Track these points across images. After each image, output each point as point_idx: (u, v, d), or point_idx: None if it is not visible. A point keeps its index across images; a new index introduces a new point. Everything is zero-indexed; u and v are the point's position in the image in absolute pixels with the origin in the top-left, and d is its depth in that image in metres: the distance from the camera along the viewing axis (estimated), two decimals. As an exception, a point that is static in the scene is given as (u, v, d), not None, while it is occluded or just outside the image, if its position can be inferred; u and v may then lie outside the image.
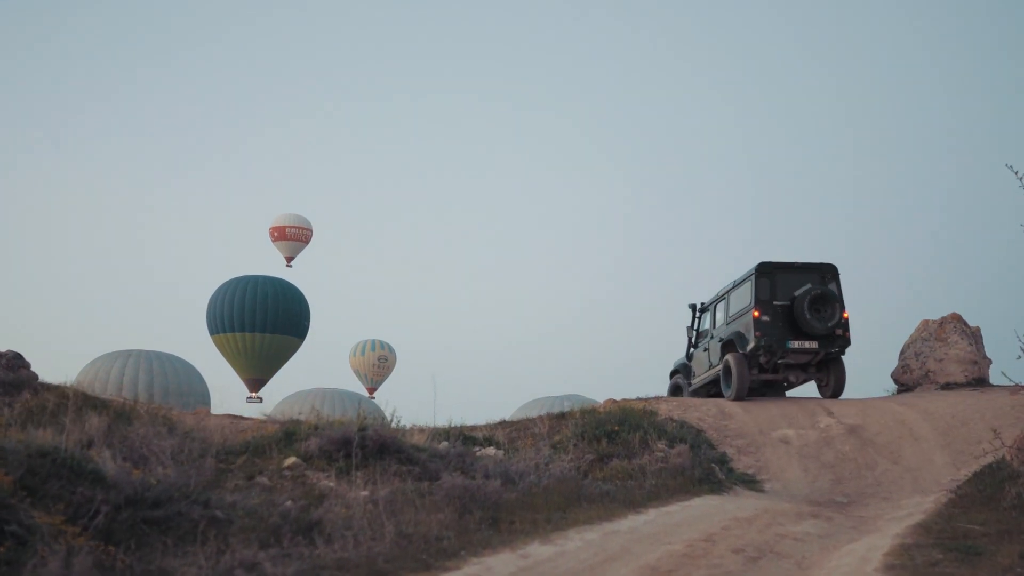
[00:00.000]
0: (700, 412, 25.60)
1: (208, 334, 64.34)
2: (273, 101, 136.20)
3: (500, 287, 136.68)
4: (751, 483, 20.90)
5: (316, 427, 16.76)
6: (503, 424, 25.44)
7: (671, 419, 23.99)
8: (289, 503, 13.84)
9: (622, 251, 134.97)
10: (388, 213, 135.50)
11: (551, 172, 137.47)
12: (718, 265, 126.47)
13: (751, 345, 24.83)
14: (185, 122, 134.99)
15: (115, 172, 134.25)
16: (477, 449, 21.11)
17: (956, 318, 28.86)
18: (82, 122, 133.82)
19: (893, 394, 28.83)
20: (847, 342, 25.58)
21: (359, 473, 15.59)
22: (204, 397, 60.71)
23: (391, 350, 74.63)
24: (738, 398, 25.17)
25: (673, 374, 28.79)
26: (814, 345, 25.24)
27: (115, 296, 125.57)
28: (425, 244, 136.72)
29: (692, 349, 27.76)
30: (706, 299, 27.94)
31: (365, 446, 15.92)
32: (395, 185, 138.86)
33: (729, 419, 25.07)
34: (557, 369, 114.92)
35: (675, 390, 28.45)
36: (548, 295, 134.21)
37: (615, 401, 26.68)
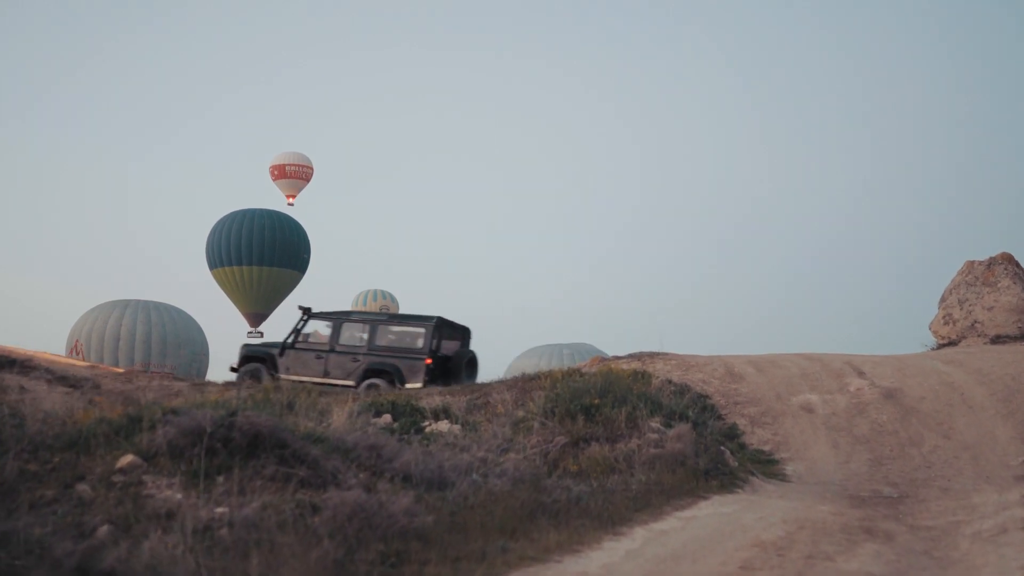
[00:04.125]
0: (704, 373, 20.19)
1: (208, 269, 59.65)
2: (279, 38, 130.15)
3: (511, 232, 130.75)
4: (769, 464, 15.59)
5: (170, 410, 11.06)
6: (470, 388, 19.99)
7: (670, 382, 18.49)
8: (104, 528, 9.04)
9: (640, 197, 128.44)
10: (390, 158, 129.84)
11: (563, 116, 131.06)
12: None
13: (413, 384, 23.91)
14: (185, 62, 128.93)
15: (116, 110, 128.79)
16: (427, 424, 15.72)
17: (1007, 258, 23.01)
18: (83, 63, 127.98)
19: (933, 349, 23.11)
20: None
21: (221, 478, 10.14)
22: (203, 347, 56.86)
23: (393, 299, 70.44)
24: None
25: (250, 359, 26.30)
26: None
27: (115, 240, 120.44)
28: (429, 189, 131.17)
29: (290, 347, 25.76)
30: (318, 308, 26.61)
31: (231, 440, 10.31)
32: (399, 129, 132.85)
33: (739, 381, 19.63)
34: (570, 316, 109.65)
35: (250, 375, 25.87)
36: (564, 240, 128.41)
37: (603, 360, 21.05)
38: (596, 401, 14.28)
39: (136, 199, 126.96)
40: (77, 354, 50.86)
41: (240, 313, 61.24)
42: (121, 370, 26.49)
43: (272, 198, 65.37)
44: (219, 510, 9.68)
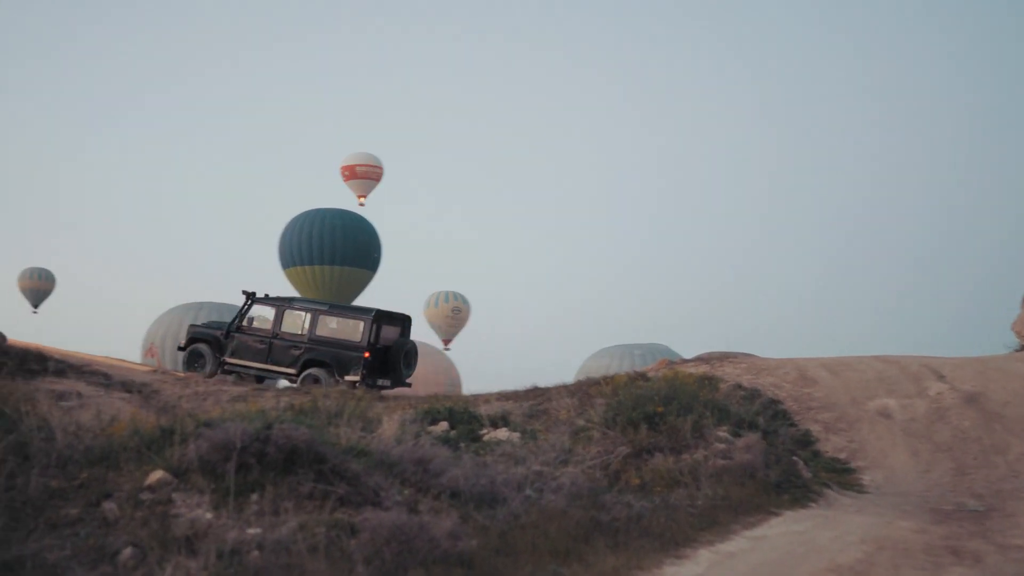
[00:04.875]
0: (776, 376, 19.14)
1: (281, 268, 59.23)
2: (352, 38, 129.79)
3: (585, 229, 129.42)
4: (845, 474, 14.58)
5: (204, 423, 10.25)
6: (532, 392, 19.10)
7: (739, 387, 17.48)
8: (127, 551, 8.26)
9: (719, 195, 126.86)
10: (461, 158, 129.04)
11: (635, 114, 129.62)
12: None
13: (352, 377, 24.13)
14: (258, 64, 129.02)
15: (189, 111, 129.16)
16: (485, 431, 14.88)
17: (1095, 256, 21.64)
18: (154, 64, 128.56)
19: (1016, 351, 21.94)
20: (408, 385, 26.24)
21: (255, 496, 9.30)
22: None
23: (465, 301, 69.46)
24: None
25: (196, 340, 26.12)
26: (387, 383, 25.15)
27: (190, 241, 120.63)
28: (501, 189, 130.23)
29: (235, 331, 25.63)
30: (263, 293, 26.23)
31: (265, 454, 9.49)
32: (470, 130, 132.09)
33: (813, 385, 18.61)
34: (645, 316, 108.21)
35: (197, 357, 25.87)
36: (641, 238, 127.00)
37: (670, 364, 20.07)
38: (660, 409, 13.32)
39: (210, 200, 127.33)
40: (152, 357, 50.60)
41: (313, 313, 60.93)
42: (183, 374, 25.82)
43: (344, 198, 64.85)
44: (251, 531, 8.92)
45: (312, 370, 24.27)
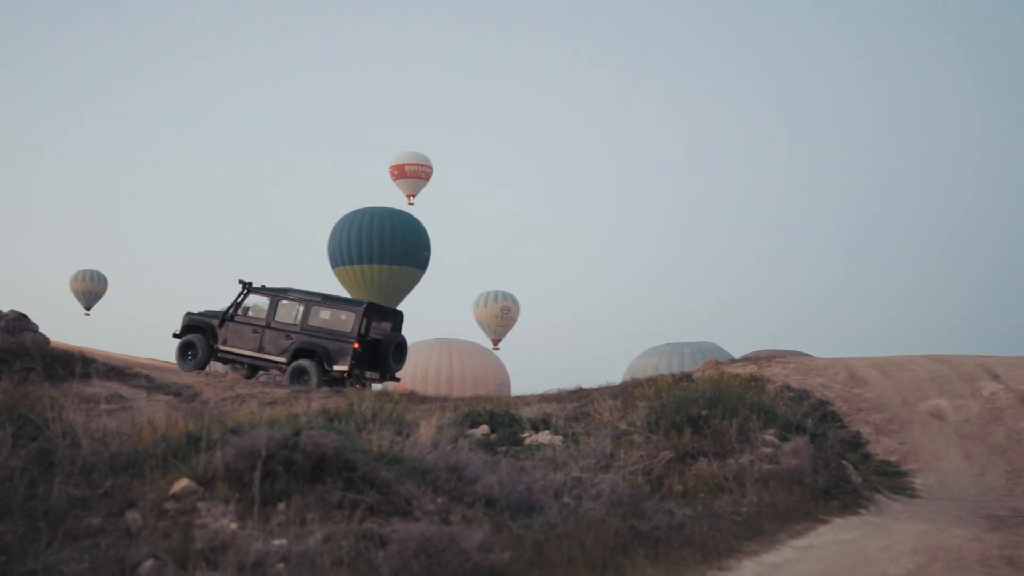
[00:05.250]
0: (825, 377, 18.59)
1: (330, 267, 60.05)
2: (400, 38, 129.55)
3: (635, 228, 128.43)
4: (897, 477, 14.01)
5: (231, 429, 9.89)
6: (576, 394, 18.65)
7: (788, 387, 16.95)
8: (149, 563, 7.88)
9: (770, 194, 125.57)
10: (510, 158, 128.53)
11: (685, 109, 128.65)
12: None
13: (340, 367, 24.45)
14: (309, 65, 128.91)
15: (237, 111, 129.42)
16: (526, 435, 14.50)
17: None
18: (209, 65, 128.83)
19: (1072, 349, 21.21)
20: (397, 379, 26.63)
21: (283, 505, 8.93)
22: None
23: (514, 301, 69.15)
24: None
25: (190, 328, 26.18)
26: (376, 376, 25.56)
27: (238, 240, 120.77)
28: (548, 188, 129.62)
29: (229, 319, 25.81)
30: (258, 283, 26.35)
31: (293, 462, 9.11)
32: (519, 128, 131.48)
33: (863, 385, 18.05)
34: (695, 314, 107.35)
35: (190, 345, 25.90)
36: (692, 236, 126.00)
37: (717, 364, 19.55)
38: (704, 412, 12.84)
39: (260, 200, 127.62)
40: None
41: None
42: (229, 375, 25.62)
43: (393, 197, 64.76)
44: (276, 542, 8.55)
45: (301, 361, 24.40)
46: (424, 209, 71.36)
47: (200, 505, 9.17)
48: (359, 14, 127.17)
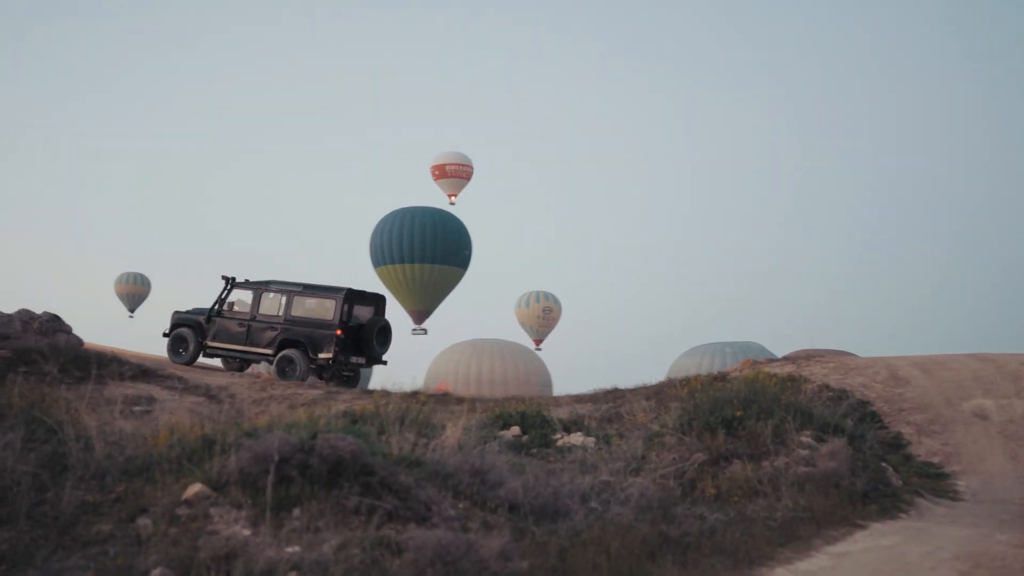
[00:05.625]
0: (865, 376, 18.07)
1: (372, 267, 59.35)
2: (441, 35, 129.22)
3: (676, 225, 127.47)
4: (939, 479, 13.52)
5: (246, 433, 9.54)
6: (611, 394, 18.23)
7: (827, 387, 16.45)
8: (157, 571, 7.57)
9: (814, 193, 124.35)
10: (552, 157, 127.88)
11: (723, 108, 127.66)
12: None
13: (325, 355, 24.69)
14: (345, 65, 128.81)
15: (281, 112, 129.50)
16: (558, 436, 14.09)
17: None
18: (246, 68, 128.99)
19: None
20: (384, 363, 26.67)
21: (297, 511, 8.55)
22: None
23: (556, 301, 68.59)
24: (300, 380, 24.29)
25: (179, 326, 26.40)
26: (362, 361, 25.67)
27: (280, 240, 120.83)
28: (592, 188, 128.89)
29: (216, 315, 26.07)
30: (242, 278, 26.66)
31: (308, 466, 8.76)
32: (561, 127, 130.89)
33: (904, 385, 17.52)
34: (739, 312, 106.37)
35: (179, 341, 26.13)
36: (734, 234, 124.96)
37: (755, 364, 19.05)
38: (739, 413, 12.39)
39: (301, 201, 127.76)
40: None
41: (404, 310, 60.81)
42: (266, 376, 25.41)
43: (434, 197, 64.52)
44: (289, 549, 8.22)
45: (286, 351, 24.60)
46: (465, 209, 71.06)
47: (213, 511, 8.83)
48: (401, 12, 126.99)
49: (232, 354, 25.84)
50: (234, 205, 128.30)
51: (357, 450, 9.16)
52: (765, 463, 11.67)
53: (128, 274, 67.73)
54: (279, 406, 19.49)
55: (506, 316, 68.90)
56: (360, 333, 25.14)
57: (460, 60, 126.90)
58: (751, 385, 13.44)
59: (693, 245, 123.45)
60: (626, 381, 19.35)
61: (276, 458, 8.71)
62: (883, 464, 12.77)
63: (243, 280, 26.06)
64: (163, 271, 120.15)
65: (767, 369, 18.49)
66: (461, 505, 9.41)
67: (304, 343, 24.63)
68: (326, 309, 24.92)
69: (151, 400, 18.86)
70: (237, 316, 25.72)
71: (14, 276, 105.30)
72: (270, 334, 25.12)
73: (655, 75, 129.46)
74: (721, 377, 17.62)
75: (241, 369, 26.34)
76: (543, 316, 67.53)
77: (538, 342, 66.96)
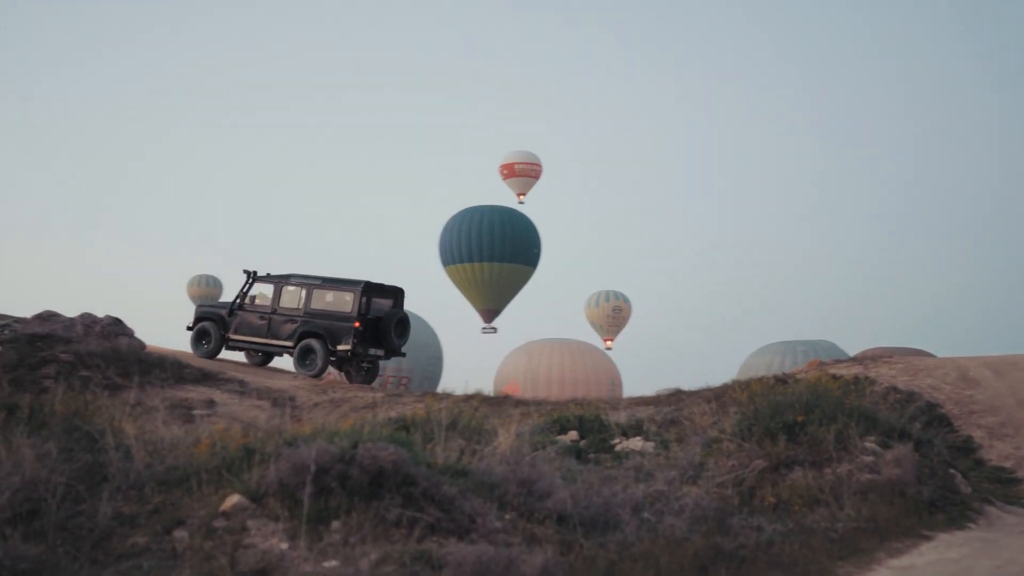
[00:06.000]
0: (935, 378, 17.46)
1: (441, 266, 60.18)
2: (510, 37, 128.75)
3: (750, 224, 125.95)
4: (1011, 485, 13.00)
5: (287, 442, 9.22)
6: (673, 397, 17.80)
7: (895, 389, 15.88)
8: None
9: (895, 191, 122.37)
10: (622, 156, 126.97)
11: (792, 105, 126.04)
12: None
13: (344, 347, 24.98)
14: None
15: (349, 113, 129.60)
16: (617, 441, 13.68)
17: None
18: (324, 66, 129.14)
19: None
20: (403, 354, 27.31)
21: (337, 524, 8.22)
22: (437, 350, 55.80)
23: (626, 300, 68.06)
24: (317, 376, 24.94)
25: (202, 319, 26.69)
26: (380, 352, 25.90)
27: (348, 240, 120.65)
28: (661, 185, 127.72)
29: (237, 309, 26.35)
30: (264, 271, 26.81)
31: (348, 477, 8.43)
32: (632, 126, 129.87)
33: (975, 387, 16.92)
34: (814, 310, 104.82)
35: (202, 334, 26.38)
36: (810, 232, 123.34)
37: (822, 365, 18.50)
38: (800, 418, 11.87)
39: (371, 201, 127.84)
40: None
41: (474, 309, 60.72)
42: (334, 378, 25.29)
43: (503, 196, 64.38)
44: (327, 564, 7.96)
45: (307, 341, 24.96)
46: (534, 208, 70.87)
47: (251, 523, 8.54)
48: (471, 12, 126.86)
49: (253, 346, 26.22)
50: (305, 204, 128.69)
51: (399, 460, 8.81)
52: (827, 470, 11.16)
53: (200, 276, 68.13)
54: (338, 410, 19.28)
55: (576, 316, 68.52)
56: (379, 325, 25.39)
57: (530, 58, 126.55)
58: (813, 388, 12.90)
59: (766, 241, 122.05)
60: (696, 381, 18.90)
61: (313, 469, 8.39)
62: (951, 470, 12.20)
63: (264, 274, 26.33)
64: (235, 273, 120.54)
65: (833, 370, 17.94)
66: (507, 516, 9.04)
67: (323, 335, 24.93)
68: (345, 302, 25.17)
69: (211, 404, 18.72)
70: (258, 309, 26.02)
71: (82, 279, 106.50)
72: (290, 326, 25.40)
73: (727, 73, 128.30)
74: (785, 379, 17.08)
75: (263, 363, 26.58)
76: (613, 315, 67.15)
77: (608, 342, 66.54)
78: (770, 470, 11.32)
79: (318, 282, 25.76)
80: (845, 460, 11.37)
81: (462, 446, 10.24)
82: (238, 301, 26.29)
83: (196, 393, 19.27)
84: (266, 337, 25.78)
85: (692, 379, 20.16)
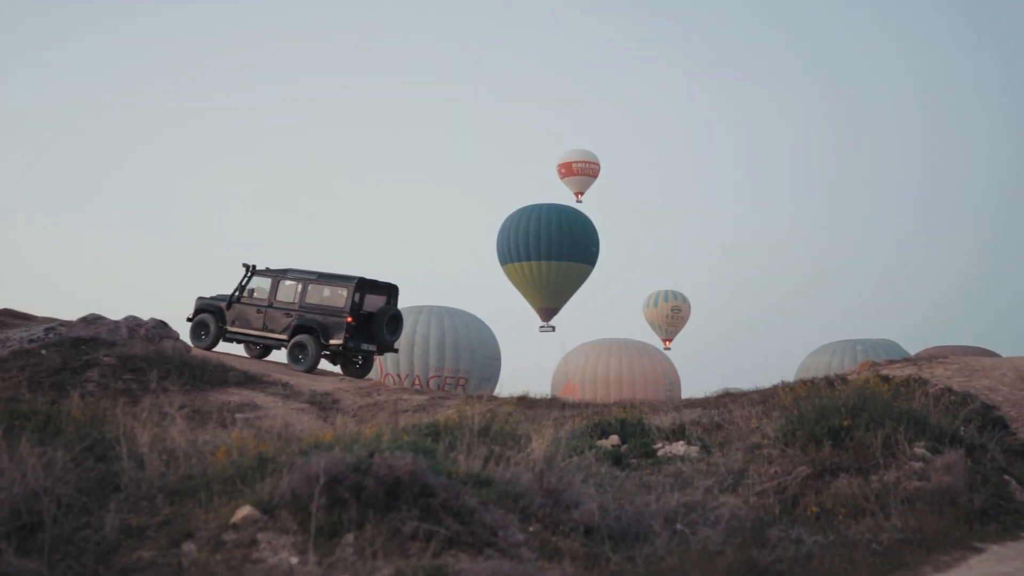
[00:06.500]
0: (991, 379, 16.74)
1: (499, 265, 59.58)
2: (566, 35, 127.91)
3: (809, 219, 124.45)
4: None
5: (301, 451, 8.77)
6: (722, 399, 17.21)
7: (949, 391, 15.18)
8: None
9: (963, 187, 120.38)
10: (681, 155, 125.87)
11: (855, 104, 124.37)
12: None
13: (335, 341, 25.33)
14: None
15: (404, 113, 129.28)
16: (659, 446, 13.16)
17: None
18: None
19: None
20: (395, 350, 28.12)
21: (351, 536, 7.74)
22: (495, 351, 55.20)
23: (684, 300, 67.24)
24: (309, 371, 25.03)
25: (201, 311, 27.13)
26: (372, 348, 26.31)
27: (405, 241, 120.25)
28: (719, 184, 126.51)
29: (236, 302, 26.72)
30: (263, 265, 27.24)
31: (363, 488, 7.97)
32: (688, 128, 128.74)
33: (1033, 387, 16.00)
34: (876, 308, 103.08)
35: (201, 326, 26.77)
36: (871, 229, 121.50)
37: (874, 365, 17.80)
38: (846, 422, 11.25)
39: (426, 201, 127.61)
40: (374, 360, 50.29)
41: (532, 308, 60.28)
42: (374, 381, 24.93)
43: (561, 195, 63.89)
44: (338, 581, 7.44)
45: (298, 337, 25.23)
46: (592, 207, 70.34)
47: (260, 536, 8.08)
48: (528, 12, 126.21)
49: (249, 339, 26.43)
50: (364, 204, 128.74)
51: (416, 469, 8.31)
52: (873, 478, 10.55)
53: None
54: (382, 413, 18.84)
55: (635, 316, 67.83)
56: (371, 321, 25.67)
57: (589, 56, 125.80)
58: (860, 392, 12.22)
59: (826, 240, 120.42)
60: (755, 381, 18.30)
61: (322, 480, 7.92)
62: (1006, 477, 11.53)
63: (263, 268, 26.69)
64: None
65: (886, 371, 17.23)
66: (531, 529, 8.53)
67: (316, 329, 25.18)
68: (338, 297, 25.53)
69: (254, 407, 18.36)
70: (256, 303, 26.32)
71: (127, 282, 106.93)
72: (285, 320, 25.72)
73: (787, 70, 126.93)
74: (837, 380, 16.42)
75: (262, 356, 26.75)
76: (672, 315, 66.39)
77: (667, 342, 65.84)
78: (814, 477, 10.74)
79: (313, 277, 26.11)
80: (893, 467, 10.75)
81: (487, 453, 9.71)
82: (236, 294, 26.59)
83: (239, 396, 18.92)
84: (261, 330, 26.11)
85: (751, 379, 19.57)
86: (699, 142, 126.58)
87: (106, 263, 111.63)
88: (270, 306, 26.11)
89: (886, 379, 15.12)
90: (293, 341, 25.25)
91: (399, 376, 49.33)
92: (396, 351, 28.00)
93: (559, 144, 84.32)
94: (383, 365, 48.87)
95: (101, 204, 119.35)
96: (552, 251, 56.55)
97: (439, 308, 52.87)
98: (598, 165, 64.97)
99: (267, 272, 26.62)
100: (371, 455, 8.44)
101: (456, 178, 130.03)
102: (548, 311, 60.47)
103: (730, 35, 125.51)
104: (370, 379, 26.35)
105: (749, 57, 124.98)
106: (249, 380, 20.07)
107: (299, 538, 7.90)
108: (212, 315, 26.60)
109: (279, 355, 26.43)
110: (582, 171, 64.26)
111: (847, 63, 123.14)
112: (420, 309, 52.31)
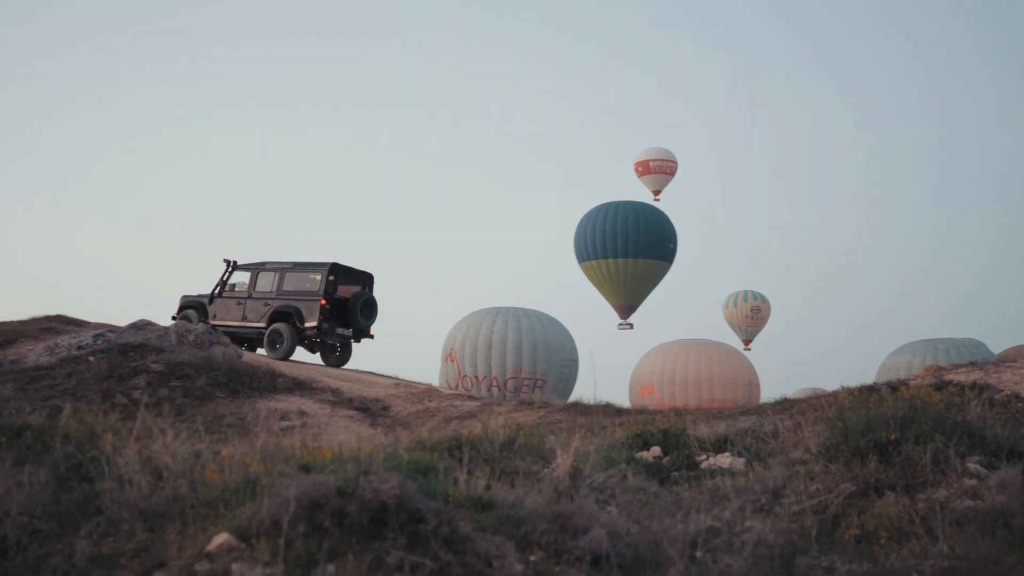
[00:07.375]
0: (1064, 384, 15.40)
1: (576, 263, 59.38)
2: (644, 35, 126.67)
3: (891, 217, 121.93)
4: None
5: (280, 472, 8.03)
6: (780, 405, 16.25)
7: (1017, 398, 14.06)
8: None
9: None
10: (759, 153, 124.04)
11: (930, 103, 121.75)
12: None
13: (310, 323, 25.95)
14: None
15: (485, 115, 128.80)
16: (703, 457, 12.29)
17: None
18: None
19: None
20: (371, 336, 28.12)
21: (331, 567, 6.99)
22: (572, 352, 54.44)
23: (764, 300, 66.19)
24: (283, 359, 25.58)
25: (186, 307, 28.00)
26: (348, 332, 26.91)
27: (484, 242, 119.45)
28: (799, 183, 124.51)
29: (217, 296, 27.72)
30: (244, 261, 28.13)
31: (346, 515, 7.20)
32: (766, 127, 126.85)
33: (1107, 394, 14.78)
34: (963, 306, 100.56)
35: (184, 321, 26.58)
36: (953, 222, 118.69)
37: (939, 370, 16.67)
38: (893, 436, 10.24)
39: (507, 199, 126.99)
40: (451, 362, 49.71)
41: (610, 305, 59.72)
42: (425, 388, 24.24)
43: (638, 194, 63.14)
44: (313, 620, 6.68)
45: (275, 325, 26.22)
46: (670, 205, 69.48)
47: (235, 567, 7.29)
48: (608, 11, 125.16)
49: (229, 330, 26.61)
50: (443, 206, 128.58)
51: (404, 493, 7.49)
52: (921, 496, 9.55)
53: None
54: (432, 420, 18.10)
55: (714, 316, 67.01)
56: (346, 306, 26.58)
57: (668, 55, 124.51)
58: (909, 402, 11.14)
59: (912, 237, 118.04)
60: (836, 381, 17.32)
61: (292, 507, 7.12)
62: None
63: (243, 263, 27.64)
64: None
65: (950, 375, 16.09)
66: (532, 558, 7.68)
67: (292, 314, 26.12)
68: (313, 281, 26.43)
69: (302, 414, 17.74)
70: (236, 295, 27.44)
71: (176, 288, 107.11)
72: (263, 309, 26.76)
73: (866, 70, 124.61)
74: (901, 386, 15.32)
75: (252, 348, 27.30)
76: (751, 316, 65.50)
77: (747, 343, 64.94)
78: (857, 496, 9.75)
79: (290, 266, 26.99)
80: (943, 484, 9.74)
81: (500, 470, 8.90)
82: (218, 289, 27.63)
83: (288, 403, 18.32)
84: (241, 321, 27.01)
85: (832, 379, 18.58)
86: (777, 141, 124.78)
87: (156, 269, 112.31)
88: (249, 297, 27.17)
89: (938, 387, 13.99)
90: (270, 328, 26.07)
91: (476, 378, 48.98)
92: (372, 337, 28.14)
93: (637, 143, 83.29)
94: (460, 367, 48.59)
95: (150, 209, 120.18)
96: (629, 248, 56.05)
97: (516, 309, 52.35)
98: (676, 163, 64.09)
99: (246, 266, 27.63)
100: (357, 477, 7.66)
101: (534, 178, 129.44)
102: (626, 308, 60.01)
103: (809, 33, 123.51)
104: (428, 384, 25.62)
105: (829, 54, 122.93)
106: (298, 386, 19.52)
107: (274, 569, 7.13)
108: (196, 311, 27.43)
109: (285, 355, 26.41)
110: (659, 169, 63.43)
111: (928, 59, 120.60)
112: (497, 311, 51.88)
